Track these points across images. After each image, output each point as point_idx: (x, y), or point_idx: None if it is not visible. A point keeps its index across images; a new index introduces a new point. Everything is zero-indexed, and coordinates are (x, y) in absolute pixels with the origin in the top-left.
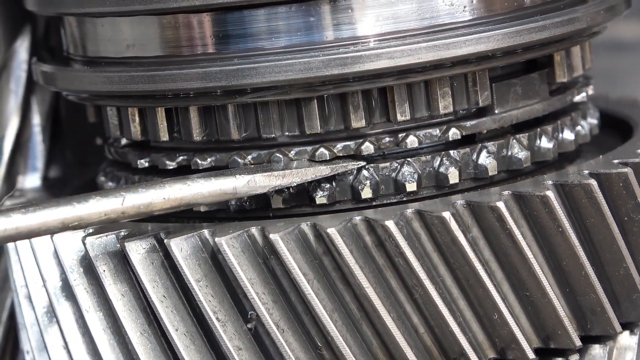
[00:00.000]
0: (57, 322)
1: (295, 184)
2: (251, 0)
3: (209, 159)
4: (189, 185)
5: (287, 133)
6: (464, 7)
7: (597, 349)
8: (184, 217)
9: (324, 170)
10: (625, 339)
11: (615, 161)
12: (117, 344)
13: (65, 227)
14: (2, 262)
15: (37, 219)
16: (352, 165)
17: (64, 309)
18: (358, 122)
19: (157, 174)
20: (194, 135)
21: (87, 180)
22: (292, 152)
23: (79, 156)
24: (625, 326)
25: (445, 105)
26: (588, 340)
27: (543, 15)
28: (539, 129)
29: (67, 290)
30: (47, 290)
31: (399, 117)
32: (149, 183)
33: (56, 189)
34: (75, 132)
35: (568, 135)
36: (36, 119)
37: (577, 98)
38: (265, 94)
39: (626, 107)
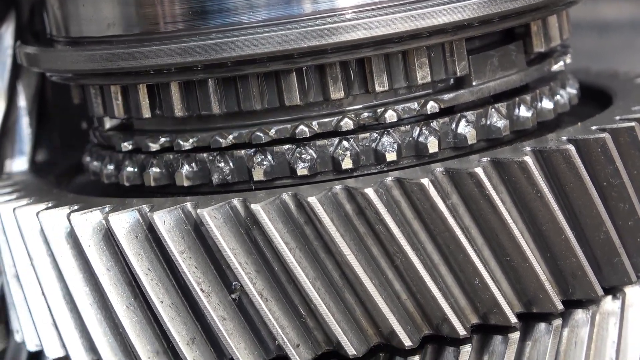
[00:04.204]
0: (45, 299)
1: None
2: None
3: (190, 140)
4: None
5: (267, 106)
6: None
7: (580, 314)
8: (168, 192)
9: None
10: (609, 304)
11: (594, 127)
12: (104, 318)
13: None
14: None
15: None
16: None
17: (51, 286)
18: (337, 93)
19: (141, 155)
20: (175, 111)
21: (74, 163)
22: (272, 130)
23: (66, 139)
24: (609, 292)
25: (423, 75)
26: (571, 305)
27: None
28: (517, 98)
29: (55, 267)
30: (34, 269)
31: (377, 88)
32: None
33: (43, 172)
34: (62, 115)
35: (547, 104)
36: (22, 103)
37: (555, 67)
38: (244, 68)
39: (607, 79)
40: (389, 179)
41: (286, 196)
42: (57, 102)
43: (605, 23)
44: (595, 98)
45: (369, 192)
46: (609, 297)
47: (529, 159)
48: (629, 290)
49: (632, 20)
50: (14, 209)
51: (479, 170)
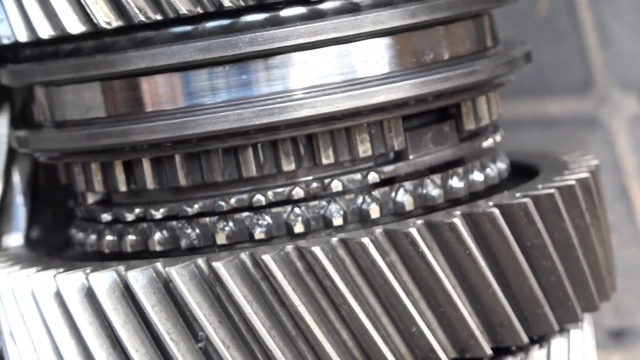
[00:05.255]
0: (36, 354)
1: None
2: (189, 62)
3: (161, 210)
4: None
5: (227, 178)
6: (377, 62)
7: None
8: (143, 257)
9: None
10: (536, 352)
11: (518, 194)
12: None
13: None
14: None
15: None
16: None
17: (41, 342)
18: (289, 166)
19: (119, 225)
20: (148, 184)
21: (64, 239)
22: (232, 199)
23: (57, 218)
24: (538, 341)
25: (364, 149)
26: (502, 352)
27: (447, 68)
28: (451, 171)
29: (44, 324)
30: (26, 326)
31: (324, 161)
32: None
33: (37, 246)
34: (53, 196)
35: (478, 176)
36: (17, 185)
37: (485, 144)
38: (206, 144)
39: (537, 157)
40: (334, 239)
41: (244, 255)
42: (49, 184)
43: (549, 119)
44: (526, 174)
45: (317, 250)
46: (536, 346)
47: (457, 221)
48: (554, 341)
49: (573, 116)
50: (8, 274)
51: (413, 231)
